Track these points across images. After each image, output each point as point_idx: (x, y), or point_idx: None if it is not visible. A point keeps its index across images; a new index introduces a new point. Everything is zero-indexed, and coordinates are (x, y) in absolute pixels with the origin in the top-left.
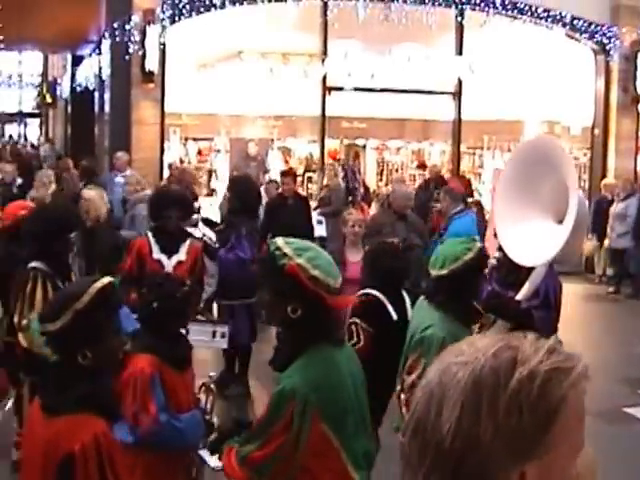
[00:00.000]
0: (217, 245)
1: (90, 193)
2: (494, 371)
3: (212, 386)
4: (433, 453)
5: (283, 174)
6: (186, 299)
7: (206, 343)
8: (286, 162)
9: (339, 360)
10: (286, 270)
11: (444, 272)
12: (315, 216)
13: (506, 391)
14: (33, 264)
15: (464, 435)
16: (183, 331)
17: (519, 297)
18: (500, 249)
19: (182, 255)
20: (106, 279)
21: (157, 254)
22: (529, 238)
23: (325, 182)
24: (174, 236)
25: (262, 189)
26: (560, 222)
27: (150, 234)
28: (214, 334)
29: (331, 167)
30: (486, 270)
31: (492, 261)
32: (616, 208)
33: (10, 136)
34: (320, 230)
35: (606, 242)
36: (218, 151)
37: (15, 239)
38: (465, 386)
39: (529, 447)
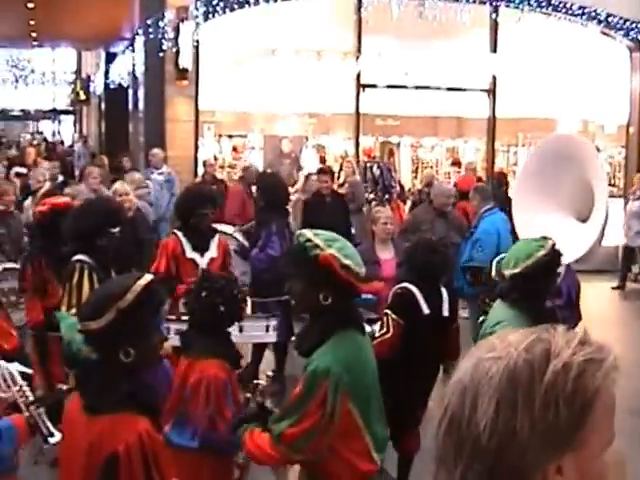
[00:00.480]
0: (247, 243)
1: (124, 186)
2: (528, 365)
3: (263, 384)
4: (470, 450)
5: (320, 172)
6: (244, 298)
7: (260, 338)
8: (324, 161)
9: (365, 346)
10: (319, 260)
11: (517, 270)
12: None
13: (542, 385)
14: (78, 257)
15: (501, 432)
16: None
17: None
18: None
19: (214, 252)
20: (149, 276)
21: (190, 253)
22: (551, 235)
23: (342, 179)
24: (206, 233)
25: (298, 186)
26: (583, 221)
27: (180, 233)
28: (267, 328)
29: (348, 164)
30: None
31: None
32: (632, 206)
33: (41, 133)
34: None
35: (624, 240)
36: (252, 148)
37: (37, 237)
38: (500, 382)
39: (565, 441)
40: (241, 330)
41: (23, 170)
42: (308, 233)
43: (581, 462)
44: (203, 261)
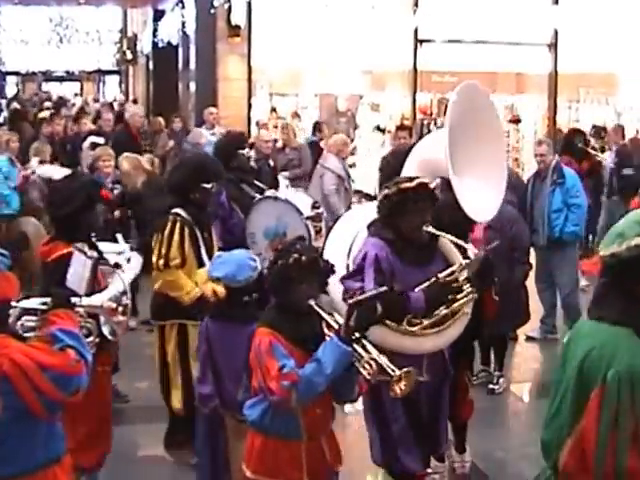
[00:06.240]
0: None
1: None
2: None
3: None
4: None
5: (399, 128)
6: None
7: None
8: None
9: None
10: None
11: None
12: (282, 180)
13: None
14: (175, 210)
15: None
16: None
17: None
18: None
19: None
20: None
21: None
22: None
23: (280, 144)
24: None
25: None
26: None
27: None
28: None
29: (285, 130)
30: None
31: None
32: None
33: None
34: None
35: None
36: (306, 107)
37: None
38: None
39: None
40: None
41: (100, 140)
42: None
43: None
44: None
